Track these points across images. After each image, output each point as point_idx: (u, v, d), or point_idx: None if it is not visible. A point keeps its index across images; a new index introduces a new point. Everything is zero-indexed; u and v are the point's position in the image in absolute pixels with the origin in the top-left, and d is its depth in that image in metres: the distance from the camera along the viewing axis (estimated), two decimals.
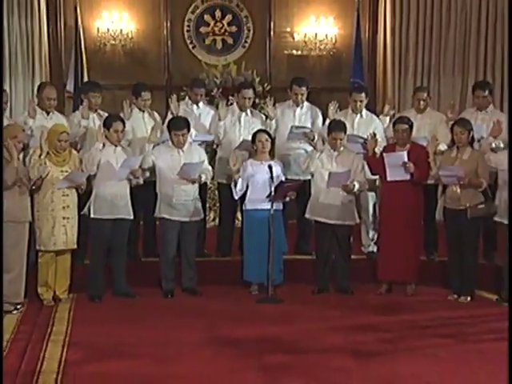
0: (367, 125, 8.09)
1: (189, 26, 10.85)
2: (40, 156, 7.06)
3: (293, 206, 7.96)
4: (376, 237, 8.18)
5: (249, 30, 10.92)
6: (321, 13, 10.84)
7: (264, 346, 5.93)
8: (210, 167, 7.70)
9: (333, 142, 7.53)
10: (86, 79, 9.93)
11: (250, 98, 8.08)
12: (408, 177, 7.37)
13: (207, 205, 8.64)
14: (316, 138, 7.93)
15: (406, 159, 7.34)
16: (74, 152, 7.36)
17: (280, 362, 5.56)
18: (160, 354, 5.67)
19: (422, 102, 8.15)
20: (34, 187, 6.97)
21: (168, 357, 5.63)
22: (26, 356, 5.61)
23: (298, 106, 8.16)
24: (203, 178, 7.50)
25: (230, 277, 7.72)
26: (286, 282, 7.55)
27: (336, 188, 7.45)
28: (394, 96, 10.60)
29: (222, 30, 10.90)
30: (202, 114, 8.25)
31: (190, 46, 10.87)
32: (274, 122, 8.12)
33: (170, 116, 7.96)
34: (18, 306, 6.87)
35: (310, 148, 8.02)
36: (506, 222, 7.24)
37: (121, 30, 10.54)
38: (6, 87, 9.32)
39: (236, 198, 7.59)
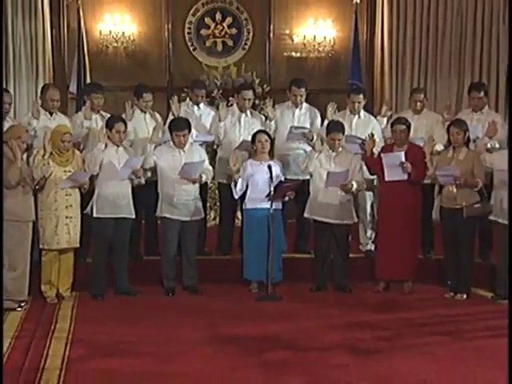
0: (365, 125, 8.09)
1: (190, 28, 10.84)
2: (43, 156, 7.05)
3: (292, 206, 7.95)
4: (374, 236, 8.18)
5: (249, 33, 10.91)
6: (319, 15, 10.83)
7: (264, 343, 5.92)
8: (210, 167, 7.69)
9: (331, 142, 7.52)
10: (88, 81, 9.92)
11: (249, 99, 8.07)
12: (405, 177, 7.37)
13: (208, 204, 8.64)
14: (315, 138, 7.92)
15: (403, 159, 7.33)
16: (77, 152, 7.36)
17: (280, 359, 5.55)
18: (161, 352, 5.66)
19: (418, 103, 8.14)
20: (37, 187, 6.97)
21: (169, 354, 5.62)
22: (30, 353, 5.60)
23: (297, 106, 8.15)
24: (204, 178, 7.49)
25: (230, 275, 7.72)
26: (285, 281, 7.54)
27: (334, 188, 7.45)
28: (392, 97, 10.59)
29: (223, 33, 10.89)
30: (202, 114, 8.25)
31: (191, 48, 10.86)
32: (273, 122, 8.11)
33: (171, 117, 7.95)
34: (22, 304, 6.87)
35: (308, 148, 8.01)
36: (501, 221, 7.25)
37: (123, 33, 10.53)
38: (10, 89, 9.32)
39: (236, 197, 7.58)
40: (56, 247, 7.11)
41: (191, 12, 10.82)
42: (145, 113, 8.00)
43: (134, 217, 7.40)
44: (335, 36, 10.86)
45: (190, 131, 7.44)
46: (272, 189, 7.24)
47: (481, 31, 10.56)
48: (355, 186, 7.49)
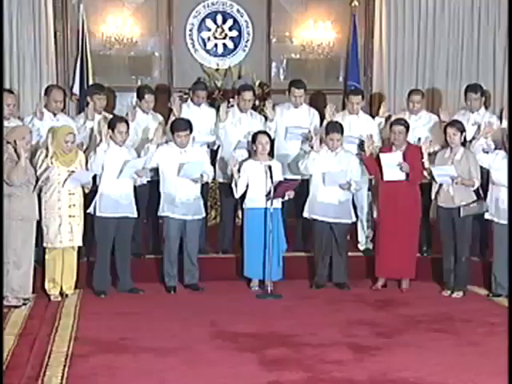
0: (363, 126, 8.10)
1: (191, 30, 10.82)
2: (47, 156, 7.06)
3: (291, 205, 7.95)
4: (372, 234, 8.20)
5: (249, 35, 10.89)
6: (319, 18, 10.80)
7: (264, 340, 5.94)
8: (211, 167, 7.70)
9: (330, 142, 7.53)
10: (91, 82, 9.91)
11: (250, 100, 8.09)
12: (404, 177, 7.38)
13: (208, 203, 8.64)
14: (314, 138, 7.93)
15: (401, 160, 7.34)
16: (80, 152, 7.36)
17: (279, 355, 5.56)
18: (163, 348, 5.67)
19: (416, 105, 8.15)
20: (41, 186, 6.97)
21: (170, 351, 5.62)
22: (34, 349, 5.62)
23: (296, 107, 8.17)
24: (205, 178, 7.50)
25: (230, 273, 7.74)
26: (284, 278, 7.54)
27: (333, 187, 7.46)
28: (389, 98, 10.58)
29: (223, 35, 10.87)
30: (203, 115, 8.25)
31: (192, 50, 10.84)
32: (273, 123, 8.12)
33: (172, 118, 7.95)
34: (26, 301, 6.88)
35: (308, 148, 8.02)
36: (496, 220, 7.27)
37: (125, 35, 10.52)
38: (14, 90, 9.31)
39: (236, 196, 7.59)
40: (59, 246, 7.12)
41: (192, 15, 10.80)
42: (147, 113, 8.02)
43: (136, 216, 7.41)
44: (334, 38, 10.84)
45: (191, 132, 7.45)
46: (272, 188, 7.25)
47: (477, 33, 10.56)
48: (354, 185, 7.51)
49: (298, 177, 7.89)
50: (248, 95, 8.05)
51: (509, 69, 10.06)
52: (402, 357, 5.52)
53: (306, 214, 7.73)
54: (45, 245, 7.13)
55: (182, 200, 7.39)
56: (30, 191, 6.85)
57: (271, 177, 7.27)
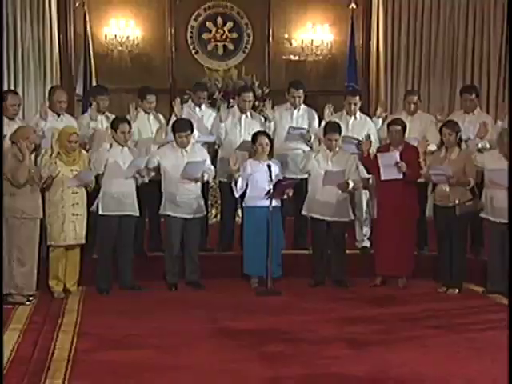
0: (361, 126, 8.09)
1: (192, 32, 10.83)
2: (51, 156, 7.06)
3: (290, 204, 7.94)
4: (369, 233, 8.19)
5: (249, 37, 10.90)
6: (317, 20, 10.82)
7: (263, 336, 5.93)
8: (212, 166, 7.68)
9: (328, 142, 7.52)
10: (94, 83, 9.91)
11: (249, 101, 8.07)
12: (401, 176, 7.36)
13: (209, 202, 8.65)
14: (312, 138, 7.94)
15: (398, 159, 7.33)
16: (84, 152, 7.36)
17: (279, 351, 5.54)
18: (164, 344, 5.66)
19: (412, 105, 8.14)
20: (44, 185, 6.97)
21: (172, 347, 5.61)
22: (38, 345, 5.61)
23: (295, 108, 8.15)
24: (206, 177, 7.49)
25: (231, 270, 7.72)
26: (284, 276, 7.53)
27: (331, 186, 7.45)
28: (386, 99, 10.58)
29: (224, 37, 10.88)
30: (204, 115, 8.25)
31: (193, 52, 10.85)
32: (272, 123, 8.11)
33: (174, 118, 7.94)
34: (31, 298, 6.87)
35: (306, 148, 8.02)
36: (491, 218, 7.25)
37: (127, 37, 10.52)
38: (19, 91, 9.31)
39: (236, 195, 7.58)
40: (63, 243, 7.11)
41: (193, 17, 10.81)
42: (148, 114, 8.00)
43: (138, 214, 7.40)
44: (332, 40, 10.86)
45: (192, 132, 7.44)
46: (271, 187, 7.24)
47: (472, 36, 10.58)
48: (352, 184, 7.50)
49: (297, 176, 7.88)
50: (248, 96, 8.04)
51: (509, 69, 10.06)
52: (400, 353, 5.50)
53: (304, 213, 7.72)
54: (48, 243, 7.13)
55: (183, 199, 7.37)
56: (33, 190, 6.84)
57: (270, 176, 7.26)
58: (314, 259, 7.73)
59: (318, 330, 6.09)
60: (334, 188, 7.47)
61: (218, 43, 10.89)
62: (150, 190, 7.57)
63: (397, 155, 7.35)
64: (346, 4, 10.69)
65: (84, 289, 7.36)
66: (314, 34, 10.81)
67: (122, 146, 7.30)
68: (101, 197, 7.24)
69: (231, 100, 9.79)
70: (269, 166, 7.31)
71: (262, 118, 8.29)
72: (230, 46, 10.91)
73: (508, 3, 9.80)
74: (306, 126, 8.11)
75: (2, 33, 9.38)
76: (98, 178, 7.25)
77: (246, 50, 10.92)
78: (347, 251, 7.83)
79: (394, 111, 9.84)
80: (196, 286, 7.50)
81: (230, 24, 10.87)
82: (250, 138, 7.63)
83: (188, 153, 7.42)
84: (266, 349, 5.59)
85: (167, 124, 7.94)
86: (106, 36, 10.52)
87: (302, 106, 8.21)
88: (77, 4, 10.36)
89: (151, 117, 8.03)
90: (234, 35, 10.89)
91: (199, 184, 7.49)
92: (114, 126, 7.30)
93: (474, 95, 8.07)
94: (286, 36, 10.94)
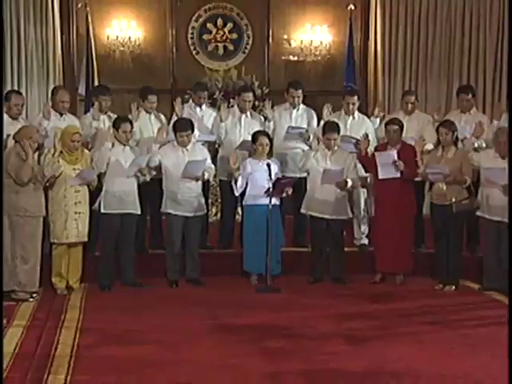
0: (359, 126, 8.10)
1: (192, 33, 10.84)
2: (54, 155, 7.07)
3: (290, 202, 7.95)
4: (367, 230, 8.20)
5: (248, 37, 10.91)
6: (316, 21, 10.83)
7: (263, 332, 5.94)
8: (212, 165, 7.69)
9: (327, 141, 7.53)
10: (96, 83, 9.92)
11: (249, 101, 8.08)
12: (398, 175, 7.37)
13: (209, 201, 8.65)
14: (311, 138, 7.95)
15: (395, 158, 7.34)
16: (86, 151, 7.37)
17: (278, 347, 5.55)
18: (165, 340, 5.67)
19: (409, 105, 8.15)
20: (47, 184, 6.99)
21: (173, 343, 5.62)
22: (42, 341, 5.62)
23: (294, 108, 8.16)
24: (206, 176, 7.50)
25: (231, 268, 7.72)
26: (283, 273, 7.53)
27: (330, 185, 7.46)
28: (384, 99, 10.60)
29: (224, 37, 10.89)
30: (204, 115, 8.25)
31: (194, 52, 10.86)
32: (272, 123, 8.12)
33: (174, 118, 7.95)
34: (34, 295, 6.88)
35: (305, 147, 8.03)
36: (487, 216, 7.26)
37: (129, 38, 10.53)
38: (23, 91, 9.33)
39: (236, 194, 7.59)
40: (65, 241, 7.12)
41: (194, 18, 10.82)
42: (150, 114, 8.01)
43: (139, 212, 7.41)
44: (331, 41, 10.87)
45: (192, 131, 7.45)
46: (271, 185, 7.25)
47: (468, 37, 10.59)
48: (350, 183, 7.50)
49: (296, 175, 7.90)
50: (248, 96, 8.05)
51: (509, 69, 10.07)
52: (397, 348, 5.51)
53: (303, 211, 7.73)
54: (51, 240, 7.14)
55: (184, 197, 7.38)
56: (36, 188, 6.86)
57: (270, 175, 7.27)
58: (313, 257, 7.74)
59: (317, 326, 6.10)
60: (332, 186, 7.47)
61: (219, 44, 10.90)
62: (152, 189, 7.58)
63: (394, 154, 7.36)
64: (345, 5, 10.70)
65: (86, 286, 7.37)
66: (312, 35, 10.82)
67: (124, 145, 7.32)
68: (103, 195, 7.25)
69: (231, 100, 9.79)
70: (268, 165, 7.32)
71: (262, 118, 8.30)
72: (230, 47, 10.91)
73: (508, 3, 9.81)
74: (305, 126, 8.12)
75: (2, 34, 9.40)
76: (100, 176, 7.26)
77: (246, 51, 10.93)
78: (345, 249, 7.84)
79: (391, 111, 9.86)
80: (196, 283, 7.51)
81: (230, 25, 10.88)
82: (249, 138, 7.64)
83: (189, 152, 7.43)
84: (266, 344, 5.60)
85: (168, 123, 7.95)
86: (107, 37, 10.53)
87: (301, 106, 8.22)
88: (79, 5, 10.37)
89: (152, 116, 8.04)
90: (234, 36, 10.90)
91: (200, 183, 7.50)
92: (115, 125, 7.31)
93: (470, 95, 8.08)
94: (286, 37, 10.95)
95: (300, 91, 8.12)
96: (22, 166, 6.69)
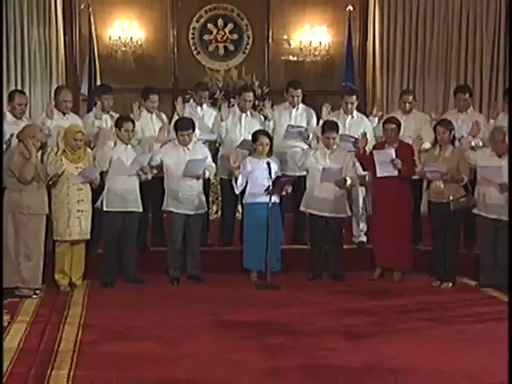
0: (358, 125, 8.10)
1: (193, 33, 10.84)
2: (57, 154, 7.07)
3: (289, 200, 7.95)
4: (365, 228, 8.20)
5: (249, 38, 10.91)
6: (315, 22, 10.83)
7: (263, 328, 5.94)
8: (213, 164, 7.69)
9: (326, 140, 7.53)
10: (98, 83, 9.92)
11: (250, 101, 8.08)
12: (396, 173, 7.37)
13: (210, 199, 8.65)
14: (311, 136, 7.95)
15: (393, 156, 7.34)
16: (89, 150, 7.37)
17: (277, 343, 5.56)
18: (166, 336, 5.68)
19: (407, 104, 8.15)
20: (50, 182, 6.99)
21: (174, 339, 5.63)
22: (45, 336, 5.63)
23: (293, 107, 8.16)
24: (207, 174, 7.50)
25: (231, 265, 7.72)
26: (283, 270, 7.53)
27: (329, 183, 7.46)
28: (382, 98, 10.60)
29: (224, 38, 10.89)
30: (205, 115, 8.24)
31: (195, 53, 10.86)
32: (271, 122, 8.12)
33: (176, 117, 7.95)
34: (37, 292, 6.89)
35: (305, 146, 8.03)
36: (483, 214, 7.26)
37: (131, 38, 10.52)
38: (26, 91, 9.32)
39: (237, 192, 7.59)
40: (68, 238, 7.12)
41: (195, 19, 10.82)
42: (151, 113, 8.01)
43: (141, 210, 7.41)
44: (330, 41, 10.86)
45: (193, 130, 7.45)
46: (270, 184, 7.25)
47: (465, 38, 10.59)
48: (349, 181, 7.50)
49: (296, 173, 7.89)
50: (248, 96, 8.05)
51: (509, 70, 10.07)
52: (395, 344, 5.51)
53: (302, 209, 7.74)
54: (55, 238, 7.14)
55: (185, 196, 7.38)
56: (40, 186, 6.86)
57: (270, 173, 7.27)
58: (312, 254, 7.74)
59: (317, 323, 6.11)
60: (331, 185, 7.48)
61: (219, 44, 10.90)
62: (153, 187, 7.58)
63: (392, 152, 7.37)
64: (344, 6, 10.69)
65: (89, 282, 7.37)
66: (312, 36, 10.82)
67: (126, 144, 7.32)
68: (105, 193, 7.25)
69: (232, 99, 9.79)
70: (268, 164, 7.32)
71: (262, 117, 8.29)
72: (231, 47, 10.91)
73: (509, 4, 9.81)
74: (304, 125, 8.11)
75: (1, 34, 9.40)
76: (102, 175, 7.26)
77: (246, 51, 10.93)
78: (344, 246, 7.84)
79: (389, 110, 9.87)
80: (197, 280, 7.51)
81: (230, 25, 10.87)
82: (250, 137, 7.64)
83: (190, 151, 7.43)
84: (266, 340, 5.60)
85: (169, 123, 7.95)
86: (110, 37, 10.53)
87: (301, 105, 8.22)
88: (82, 6, 10.36)
89: (154, 116, 8.03)
90: (235, 36, 10.90)
91: (200, 181, 7.50)
92: (118, 124, 7.31)
93: (467, 95, 8.08)
94: (285, 37, 10.95)
95: (299, 91, 8.12)
96: (25, 164, 6.70)
